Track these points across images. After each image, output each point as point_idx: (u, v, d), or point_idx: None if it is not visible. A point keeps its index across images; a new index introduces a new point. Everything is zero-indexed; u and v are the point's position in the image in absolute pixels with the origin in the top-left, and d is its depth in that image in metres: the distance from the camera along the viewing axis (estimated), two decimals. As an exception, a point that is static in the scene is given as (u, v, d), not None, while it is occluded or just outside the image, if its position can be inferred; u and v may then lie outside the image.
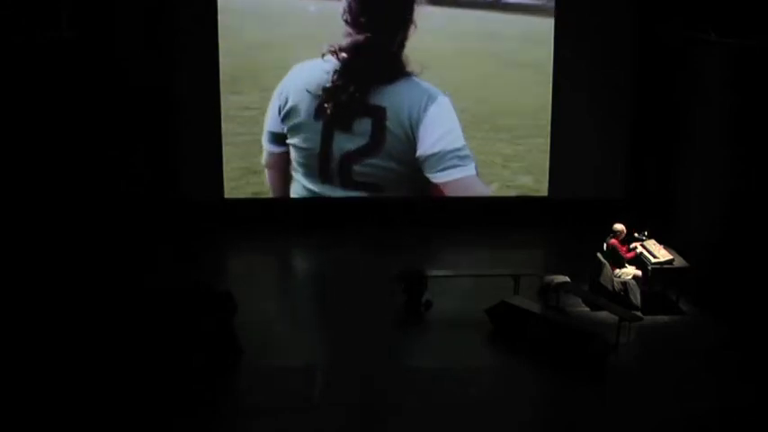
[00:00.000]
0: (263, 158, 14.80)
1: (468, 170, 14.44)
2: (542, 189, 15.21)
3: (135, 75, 13.97)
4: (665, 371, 10.04)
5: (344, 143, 14.50)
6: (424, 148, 14.26)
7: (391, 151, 14.44)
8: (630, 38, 14.69)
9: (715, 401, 9.33)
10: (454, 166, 14.31)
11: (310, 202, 15.05)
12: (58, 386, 9.39)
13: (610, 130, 15.07)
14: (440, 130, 14.25)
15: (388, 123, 14.28)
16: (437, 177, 14.34)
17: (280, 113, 14.50)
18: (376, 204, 15.09)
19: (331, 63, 14.31)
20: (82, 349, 10.15)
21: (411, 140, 14.28)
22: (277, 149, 14.68)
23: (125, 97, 13.90)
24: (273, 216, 15.03)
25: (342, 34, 14.27)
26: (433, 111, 14.12)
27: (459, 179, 14.34)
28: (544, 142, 15.06)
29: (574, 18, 14.67)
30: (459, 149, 14.27)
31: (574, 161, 15.08)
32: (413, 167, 14.49)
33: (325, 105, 14.33)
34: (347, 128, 14.37)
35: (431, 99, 14.17)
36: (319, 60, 14.32)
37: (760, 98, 11.27)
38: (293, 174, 14.77)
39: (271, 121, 14.63)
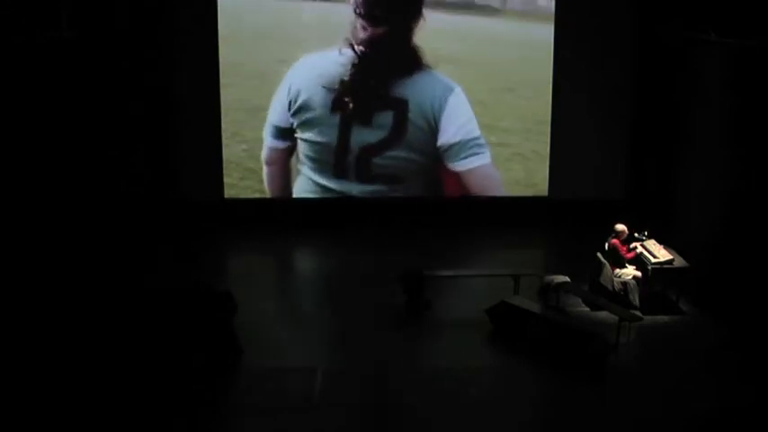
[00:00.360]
0: (264, 154, 14.78)
1: (487, 158, 14.65)
2: (542, 189, 15.22)
3: (135, 75, 13.97)
4: (665, 371, 10.04)
5: (364, 136, 14.52)
6: (445, 138, 14.40)
7: (412, 142, 14.52)
8: (630, 38, 14.70)
9: (715, 401, 9.33)
10: (475, 154, 14.50)
11: (310, 202, 15.05)
12: (58, 386, 9.39)
13: (610, 130, 15.08)
14: (460, 119, 14.43)
15: (410, 115, 14.37)
16: (459, 166, 14.47)
17: (290, 108, 14.48)
18: (376, 205, 15.10)
19: (344, 56, 14.31)
20: (82, 349, 10.15)
21: (433, 131, 14.41)
22: (281, 145, 14.68)
23: (125, 97, 13.91)
24: (273, 216, 15.04)
25: (345, 29, 14.29)
26: (452, 101, 14.32)
27: (479, 166, 14.55)
28: (544, 142, 15.07)
29: (574, 19, 14.68)
30: (477, 138, 14.47)
31: (574, 161, 15.08)
32: (431, 157, 14.59)
33: (346, 99, 14.32)
34: (367, 121, 14.40)
35: (449, 90, 14.35)
36: (329, 53, 14.33)
37: (760, 98, 11.26)
38: (300, 168, 14.74)
39: (276, 116, 14.61)
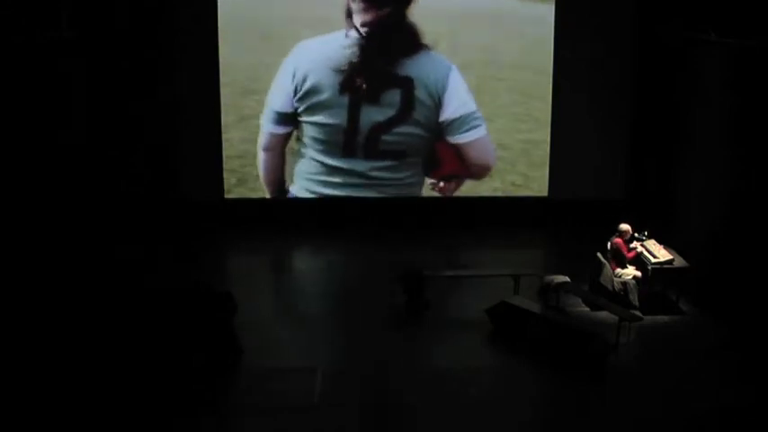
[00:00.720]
0: (262, 141, 14.80)
1: (484, 129, 14.97)
2: (542, 189, 15.22)
3: (135, 75, 13.97)
4: (665, 371, 10.04)
5: (373, 115, 14.73)
6: (448, 113, 14.78)
7: (418, 118, 14.82)
8: (630, 38, 14.70)
9: (715, 401, 9.33)
10: (474, 127, 14.89)
11: (310, 202, 15.06)
12: (58, 386, 9.39)
13: (610, 130, 15.08)
14: (461, 95, 14.78)
15: (416, 93, 14.67)
16: (462, 138, 14.87)
17: (296, 93, 14.54)
18: (376, 204, 15.11)
19: (349, 38, 14.41)
20: (82, 349, 10.15)
21: (437, 107, 14.78)
22: (281, 130, 14.73)
23: (125, 97, 13.91)
24: (273, 216, 15.04)
25: (343, 19, 14.39)
26: (452, 78, 14.73)
27: (478, 138, 14.94)
28: (544, 142, 15.08)
29: (574, 18, 14.68)
30: (475, 112, 14.85)
31: (574, 161, 15.09)
32: (433, 132, 14.86)
33: (358, 80, 14.53)
34: (375, 100, 14.69)
35: (448, 68, 14.72)
36: (331, 37, 14.44)
37: (760, 98, 11.26)
38: (303, 151, 14.79)
39: (279, 102, 14.63)
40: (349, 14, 14.37)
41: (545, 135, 15.07)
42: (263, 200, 15.04)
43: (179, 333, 10.01)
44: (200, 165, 14.79)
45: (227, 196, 14.96)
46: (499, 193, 15.18)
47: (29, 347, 9.99)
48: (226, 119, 14.72)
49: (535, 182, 15.21)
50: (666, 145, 14.10)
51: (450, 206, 15.26)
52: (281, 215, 15.06)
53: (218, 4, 14.38)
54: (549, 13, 14.70)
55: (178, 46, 14.35)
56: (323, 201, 15.07)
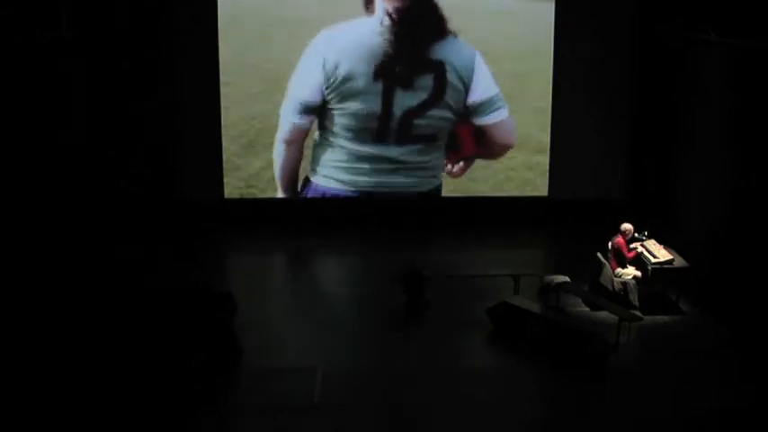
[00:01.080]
0: (284, 133, 14.80)
1: (507, 111, 15.14)
2: (542, 189, 15.22)
3: (135, 75, 13.98)
4: (665, 371, 10.04)
5: (407, 100, 14.83)
6: (476, 96, 14.96)
7: (448, 102, 14.94)
8: (630, 38, 14.71)
9: (715, 401, 9.34)
10: (498, 108, 15.09)
11: (310, 202, 15.06)
12: (58, 386, 9.39)
13: (610, 130, 15.09)
14: (486, 78, 14.96)
15: (448, 76, 14.81)
16: (488, 119, 15.07)
17: (327, 82, 14.56)
18: (376, 204, 15.11)
19: (378, 24, 14.46)
20: (82, 349, 10.15)
21: (466, 90, 14.96)
22: (306, 121, 14.76)
23: (125, 97, 13.91)
24: (273, 216, 15.04)
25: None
26: (478, 62, 14.93)
27: (503, 119, 15.12)
28: (544, 142, 15.08)
29: (574, 18, 14.69)
30: (498, 93, 15.03)
31: (574, 161, 15.09)
32: (460, 114, 15.01)
33: (396, 67, 14.64)
34: (409, 85, 14.79)
35: (473, 52, 14.87)
36: (355, 23, 14.47)
37: (760, 98, 11.27)
38: (331, 140, 14.81)
39: (307, 92, 14.63)
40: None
41: (545, 135, 15.07)
42: (263, 200, 15.04)
43: (179, 333, 10.01)
44: (200, 165, 14.79)
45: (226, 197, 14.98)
46: (497, 193, 15.20)
47: (29, 347, 9.99)
48: (226, 119, 14.71)
49: (534, 181, 15.22)
50: (666, 145, 14.10)
51: (450, 206, 15.26)
52: (280, 215, 15.06)
53: (218, 4, 14.39)
54: (549, 13, 14.71)
55: (178, 46, 14.35)
56: (323, 201, 15.06)
